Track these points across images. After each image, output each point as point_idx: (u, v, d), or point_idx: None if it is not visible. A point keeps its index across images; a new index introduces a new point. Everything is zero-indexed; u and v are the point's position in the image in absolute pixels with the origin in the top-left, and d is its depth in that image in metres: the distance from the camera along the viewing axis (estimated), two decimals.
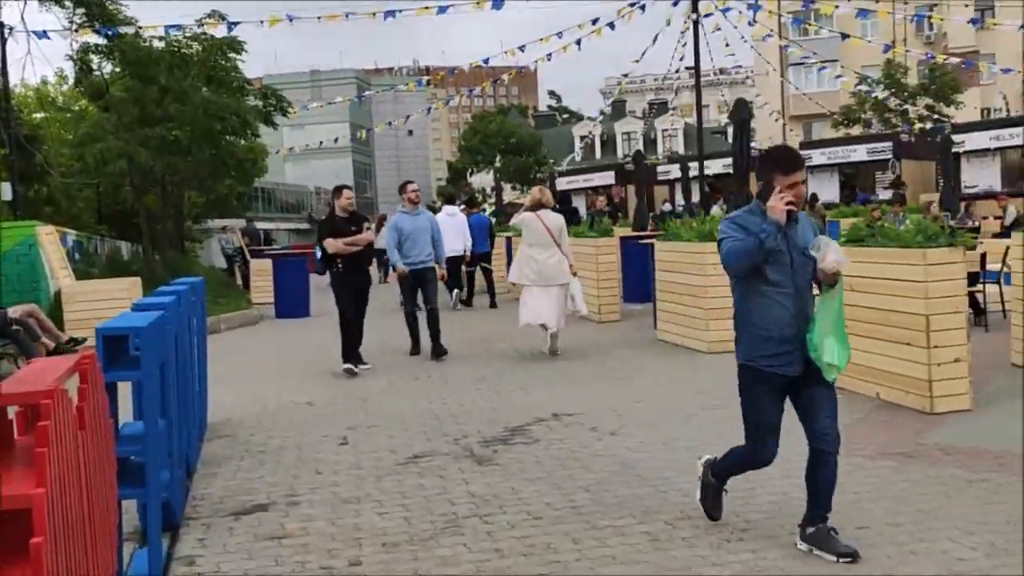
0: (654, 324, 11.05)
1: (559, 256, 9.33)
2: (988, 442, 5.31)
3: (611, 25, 17.96)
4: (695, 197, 22.59)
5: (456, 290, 14.83)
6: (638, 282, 13.74)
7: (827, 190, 24.79)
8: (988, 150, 21.38)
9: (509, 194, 39.83)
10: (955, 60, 17.18)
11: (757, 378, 3.90)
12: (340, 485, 5.31)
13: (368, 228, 9.47)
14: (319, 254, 9.74)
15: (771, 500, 4.69)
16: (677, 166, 24.82)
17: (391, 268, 17.08)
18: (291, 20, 15.84)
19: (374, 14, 15.19)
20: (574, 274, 9.60)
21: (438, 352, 9.69)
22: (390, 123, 23.92)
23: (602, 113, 45.30)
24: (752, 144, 31.74)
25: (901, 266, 6.19)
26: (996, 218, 17.44)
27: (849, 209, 19.50)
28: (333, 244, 9.03)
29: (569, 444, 5.96)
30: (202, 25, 17.79)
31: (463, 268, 14.75)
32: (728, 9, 16.11)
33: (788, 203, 3.68)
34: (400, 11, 15.00)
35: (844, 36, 17.04)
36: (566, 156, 48.61)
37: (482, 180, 50.56)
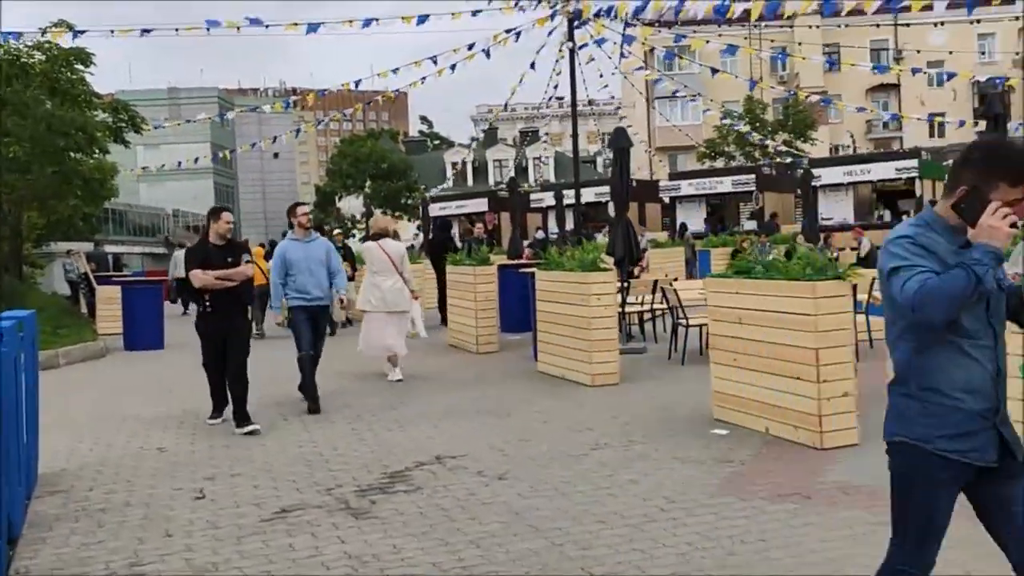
0: (534, 355, 10.75)
1: (401, 283, 9.71)
2: (881, 479, 5.19)
3: (487, 52, 17.78)
4: (568, 225, 22.72)
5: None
6: (516, 311, 13.47)
7: (695, 220, 25.47)
8: (842, 184, 22.48)
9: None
10: (816, 97, 18.01)
11: (935, 467, 2.66)
12: (194, 550, 4.64)
13: (248, 261, 7.66)
14: (175, 283, 8.85)
15: None
16: (551, 194, 24.91)
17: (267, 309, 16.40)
18: (143, 33, 14.80)
19: (238, 27, 14.37)
20: (415, 299, 10.27)
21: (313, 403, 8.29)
22: (254, 144, 22.84)
23: (474, 140, 45.30)
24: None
25: (790, 299, 6.09)
26: (852, 249, 18.30)
27: (718, 239, 20.00)
28: (201, 277, 7.36)
29: (455, 491, 5.49)
30: (45, 33, 16.41)
31: None
32: (603, 40, 16.21)
33: (1012, 224, 2.54)
34: (267, 25, 14.26)
35: (714, 71, 17.50)
36: (437, 182, 48.34)
37: (351, 205, 49.49)
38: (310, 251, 8.42)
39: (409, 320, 10.17)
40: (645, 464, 5.87)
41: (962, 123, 18.05)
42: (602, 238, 21.62)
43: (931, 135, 48.10)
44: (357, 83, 19.36)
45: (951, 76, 15.05)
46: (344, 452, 6.67)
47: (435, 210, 30.95)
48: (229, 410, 7.68)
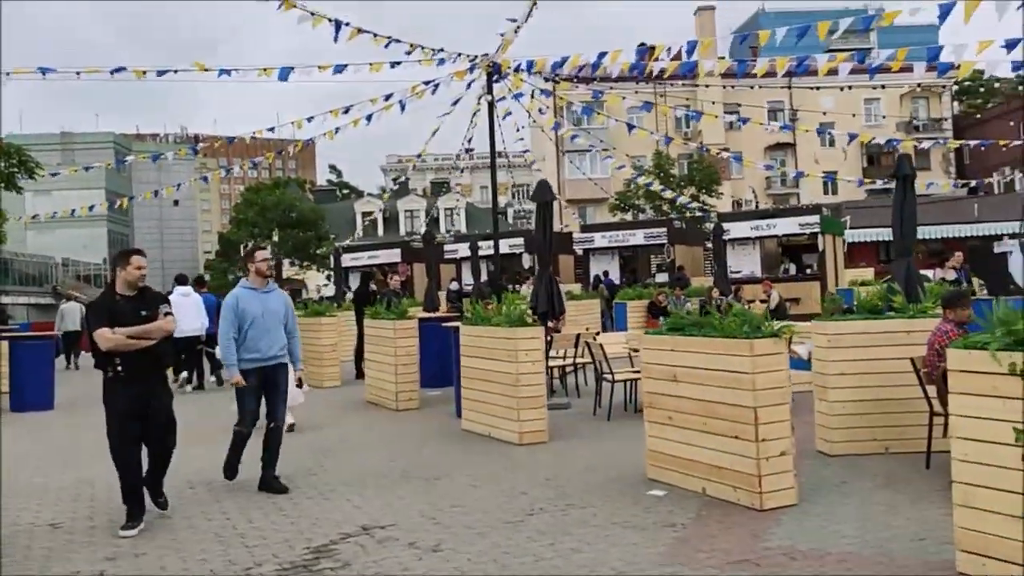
0: (457, 412, 10.46)
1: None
2: (824, 541, 5.12)
3: (402, 105, 17.65)
4: (482, 276, 22.60)
5: (184, 372, 15.11)
6: (435, 366, 13.17)
7: (609, 272, 25.71)
8: (749, 239, 23.13)
9: (288, 270, 38.18)
10: (726, 154, 18.53)
11: None
12: None
13: (167, 314, 6.20)
14: (61, 337, 8.03)
15: None
16: (465, 245, 24.79)
17: (213, 371, 15.53)
18: (44, 73, 14.05)
19: (144, 72, 13.81)
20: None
21: (274, 486, 7.13)
22: (157, 192, 21.99)
23: (384, 190, 44.92)
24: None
25: (728, 357, 6.02)
26: (761, 301, 18.73)
27: (633, 291, 20.19)
28: (109, 337, 5.93)
29: (386, 566, 5.13)
30: None
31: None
32: (520, 94, 16.29)
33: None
34: (176, 70, 13.75)
35: (631, 127, 17.82)
36: (348, 231, 47.69)
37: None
38: (268, 303, 7.21)
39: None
40: (585, 530, 5.64)
41: (861, 182, 18.76)
42: (526, 288, 21.63)
43: (825, 192, 50.54)
44: (270, 130, 18.95)
45: (853, 137, 15.68)
46: (261, 525, 6.21)
47: (347, 260, 30.38)
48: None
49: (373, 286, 15.37)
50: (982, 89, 59.73)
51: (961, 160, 50.17)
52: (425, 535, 5.72)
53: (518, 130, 17.69)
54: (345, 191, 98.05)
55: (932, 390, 6.78)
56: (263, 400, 7.23)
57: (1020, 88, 49.94)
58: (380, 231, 56.86)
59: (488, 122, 15.63)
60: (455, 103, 17.74)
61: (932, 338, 6.75)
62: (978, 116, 51.42)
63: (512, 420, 8.73)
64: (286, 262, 40.82)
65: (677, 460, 6.60)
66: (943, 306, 6.91)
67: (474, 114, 17.99)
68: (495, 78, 15.47)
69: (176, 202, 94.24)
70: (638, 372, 10.92)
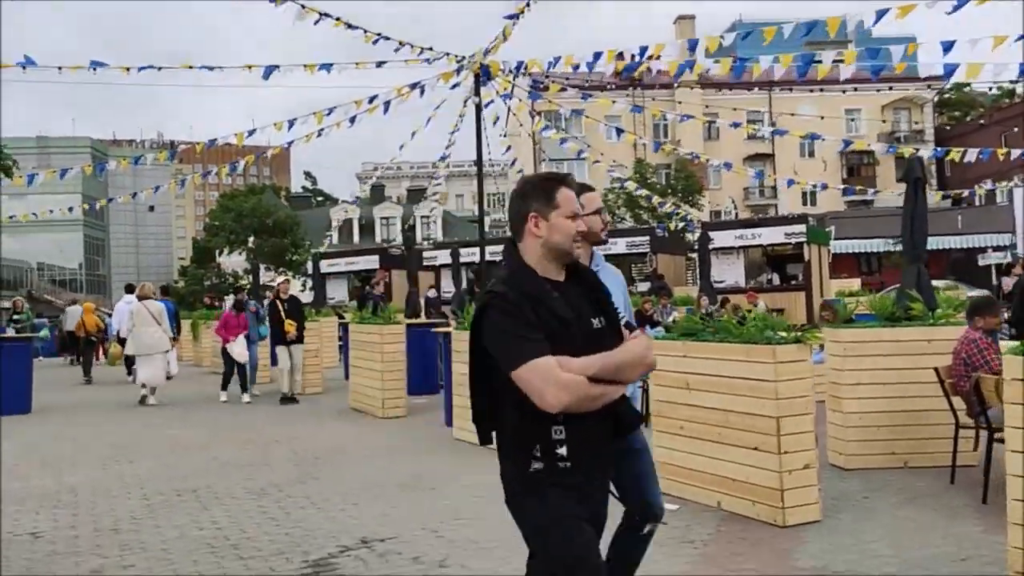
0: (446, 420, 10.14)
1: (160, 332, 13.54)
2: (859, 562, 4.86)
3: (386, 105, 17.31)
4: (463, 284, 22.30)
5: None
6: (422, 373, 12.85)
7: None
8: (733, 248, 23.00)
9: (264, 276, 37.60)
10: (715, 162, 18.41)
11: None
12: None
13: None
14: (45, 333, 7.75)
15: None
16: (446, 252, 24.46)
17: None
18: (24, 68, 13.54)
19: (127, 68, 13.37)
20: (173, 345, 14.17)
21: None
22: (135, 194, 21.41)
23: (358, 198, 44.51)
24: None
25: (748, 363, 5.75)
26: (747, 312, 18.56)
27: None
28: (567, 383, 2.51)
29: None
30: None
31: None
32: (509, 95, 16.00)
33: None
34: (159, 67, 13.31)
35: (619, 132, 17.61)
36: (323, 238, 47.14)
37: (232, 261, 47.56)
38: None
39: (167, 360, 13.86)
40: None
41: (837, 189, 18.68)
42: None
43: (804, 203, 50.78)
44: (251, 133, 18.49)
45: (847, 144, 15.54)
46: (255, 536, 5.84)
47: (324, 267, 29.89)
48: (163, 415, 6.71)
49: (369, 288, 15.16)
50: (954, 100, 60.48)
51: (942, 172, 50.64)
52: (429, 549, 5.39)
53: (504, 135, 17.40)
54: (320, 198, 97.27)
55: (958, 401, 6.55)
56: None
57: (1003, 100, 50.58)
58: (356, 238, 56.35)
59: (476, 125, 15.36)
60: (438, 107, 17.40)
61: (959, 347, 6.52)
62: (971, 121, 51.81)
63: None
64: (262, 268, 40.20)
65: (689, 472, 6.31)
66: (970, 314, 6.68)
67: (461, 118, 17.68)
68: (483, 81, 15.21)
69: (152, 207, 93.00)
70: (638, 382, 10.71)
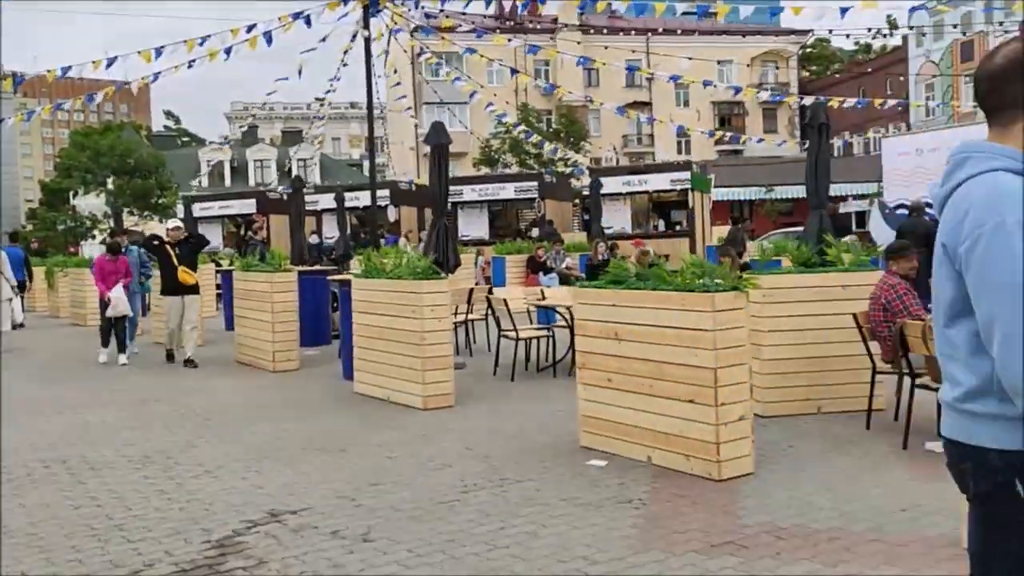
0: (345, 374, 9.57)
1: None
2: (804, 516, 4.70)
3: (268, 37, 16.10)
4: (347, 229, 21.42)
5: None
6: (313, 323, 12.16)
7: (477, 227, 25.04)
8: (620, 194, 23.00)
9: (127, 220, 35.21)
10: (608, 106, 18.06)
11: None
12: None
13: None
14: None
15: None
16: (329, 196, 23.39)
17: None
18: None
19: None
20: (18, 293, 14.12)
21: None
22: None
23: (227, 139, 42.29)
24: (406, 178, 31.33)
25: (684, 313, 5.47)
26: (639, 257, 18.61)
27: (513, 244, 19.61)
28: None
29: (312, 563, 4.29)
30: None
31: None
32: (399, 30, 15.13)
33: None
34: None
35: (514, 71, 17.05)
36: (191, 180, 44.52)
37: (89, 204, 44.30)
38: None
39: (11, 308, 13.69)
40: (533, 510, 4.98)
41: (760, 140, 18.89)
42: (403, 241, 20.63)
43: (679, 152, 51.74)
44: (112, 61, 16.86)
45: (738, 90, 15.57)
46: (143, 513, 5.18)
47: (196, 211, 28.17)
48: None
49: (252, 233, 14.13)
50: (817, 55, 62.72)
51: (804, 124, 52.49)
52: (349, 521, 4.90)
53: (395, 71, 16.53)
54: (186, 138, 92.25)
55: (876, 347, 6.52)
56: None
57: (859, 56, 52.75)
58: (228, 181, 53.67)
59: (365, 61, 14.47)
60: (324, 38, 16.32)
61: (877, 292, 6.48)
62: (835, 74, 53.64)
63: (416, 383, 7.93)
64: (125, 212, 37.61)
65: (617, 426, 6.04)
66: (887, 258, 6.65)
67: (346, 52, 16.66)
68: (372, 11, 14.31)
69: None
70: (543, 329, 10.40)
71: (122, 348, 11.76)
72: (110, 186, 41.99)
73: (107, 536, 4.79)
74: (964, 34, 41.84)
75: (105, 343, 11.85)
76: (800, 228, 14.78)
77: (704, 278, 5.47)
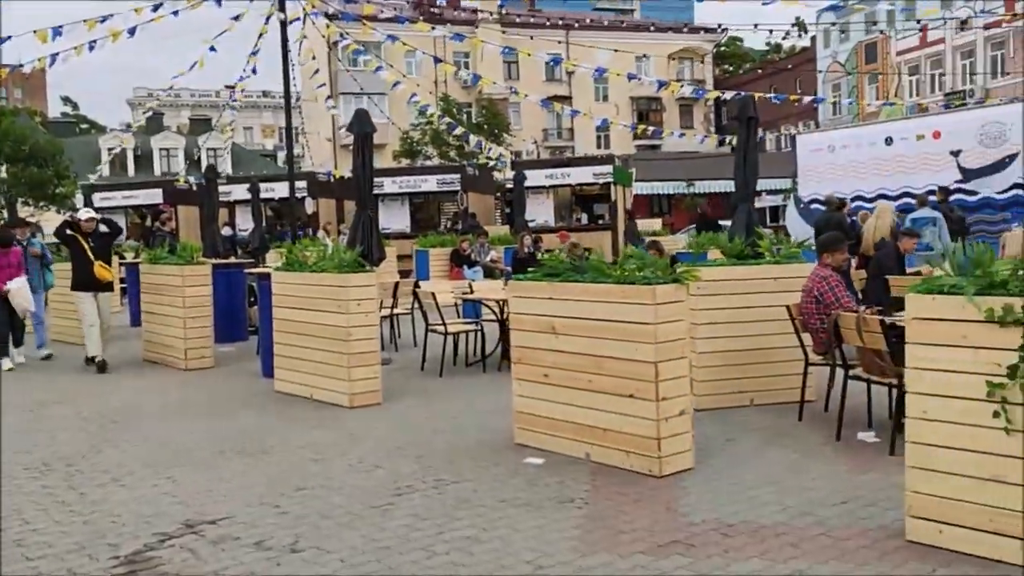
0: (264, 372, 9.15)
1: None
2: (749, 512, 4.60)
3: (175, 14, 15.37)
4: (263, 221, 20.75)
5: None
6: (230, 319, 11.65)
7: (398, 219, 24.58)
8: (543, 187, 22.93)
9: (23, 211, 33.42)
10: (533, 98, 17.87)
11: None
12: None
13: None
14: None
15: None
16: (243, 186, 22.60)
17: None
18: None
19: None
20: None
21: None
22: None
23: (129, 126, 40.57)
24: (324, 170, 30.54)
25: (624, 306, 5.31)
26: (560, 251, 18.53)
27: (436, 238, 19.29)
28: None
29: None
30: None
31: None
32: (317, 14, 14.63)
33: None
34: None
35: (437, 60, 16.70)
36: (91, 169, 42.49)
37: None
38: None
39: None
40: (470, 512, 4.75)
41: (681, 135, 18.94)
42: (322, 234, 20.07)
43: (598, 146, 52.11)
44: (3, 41, 15.84)
45: (662, 85, 15.61)
46: (43, 527, 4.74)
47: (97, 200, 26.81)
48: None
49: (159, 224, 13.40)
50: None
51: (720, 121, 53.54)
52: (274, 530, 4.57)
53: (314, 58, 16.00)
54: (85, 125, 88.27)
55: (807, 338, 6.51)
56: None
57: (771, 55, 54.09)
58: (131, 170, 51.58)
59: (281, 46, 13.94)
60: (238, 17, 15.67)
61: (809, 284, 6.46)
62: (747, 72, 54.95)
63: (341, 380, 7.59)
64: (19, 202, 35.67)
65: (553, 422, 5.85)
66: (819, 250, 6.64)
67: (260, 36, 16.03)
68: None
69: None
70: (473, 323, 10.14)
71: (15, 344, 10.83)
72: (3, 174, 39.75)
73: (3, 553, 4.35)
74: (867, 33, 43.42)
75: (4, 350, 10.62)
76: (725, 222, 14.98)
77: (645, 270, 5.31)
